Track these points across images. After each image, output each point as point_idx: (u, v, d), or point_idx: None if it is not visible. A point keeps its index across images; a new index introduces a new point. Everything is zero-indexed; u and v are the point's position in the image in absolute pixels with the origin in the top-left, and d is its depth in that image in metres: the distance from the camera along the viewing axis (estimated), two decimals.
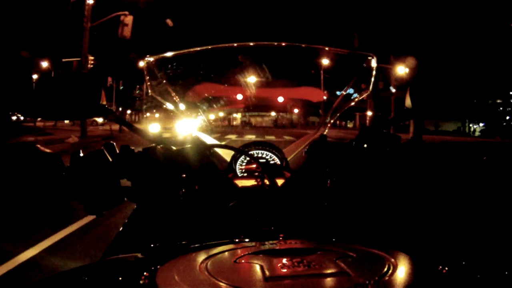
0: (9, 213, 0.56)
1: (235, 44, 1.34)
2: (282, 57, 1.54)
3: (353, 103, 1.46)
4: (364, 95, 1.39)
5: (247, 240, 0.61)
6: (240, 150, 1.23)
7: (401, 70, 21.58)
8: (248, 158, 1.30)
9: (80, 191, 0.65)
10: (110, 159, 0.70)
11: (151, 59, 1.28)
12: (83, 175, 0.66)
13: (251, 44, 1.35)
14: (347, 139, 0.90)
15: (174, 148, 0.86)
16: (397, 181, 0.75)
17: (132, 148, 0.75)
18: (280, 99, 1.93)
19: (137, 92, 42.04)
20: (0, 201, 0.57)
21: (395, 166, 0.75)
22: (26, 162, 0.59)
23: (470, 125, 42.10)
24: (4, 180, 0.57)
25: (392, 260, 0.47)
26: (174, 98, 1.46)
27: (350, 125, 42.89)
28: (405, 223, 0.74)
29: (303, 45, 1.37)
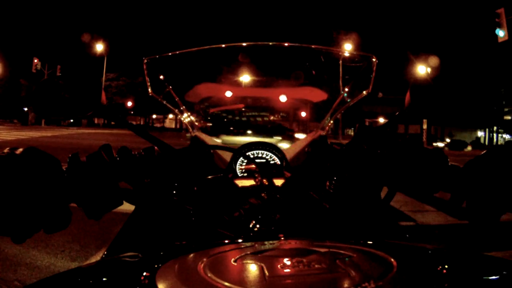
0: (6, 215, 0.56)
1: (236, 44, 1.34)
2: (283, 57, 1.54)
3: (352, 104, 1.46)
4: (363, 96, 1.39)
5: (247, 240, 0.61)
6: (238, 151, 1.23)
7: (422, 69, 20.73)
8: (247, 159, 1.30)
9: (78, 193, 0.65)
10: (108, 161, 0.69)
11: (151, 58, 1.28)
12: (81, 177, 0.65)
13: (251, 44, 1.35)
14: None
15: (174, 148, 0.86)
16: (396, 180, 0.75)
17: (130, 149, 0.75)
18: (282, 98, 1.92)
19: None
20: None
21: (393, 166, 0.75)
22: (24, 164, 0.59)
23: (498, 135, 40.15)
24: (2, 182, 0.57)
25: (392, 260, 0.47)
26: (174, 98, 1.46)
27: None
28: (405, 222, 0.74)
29: (303, 45, 1.37)
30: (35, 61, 31.73)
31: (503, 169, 0.64)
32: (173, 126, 44.11)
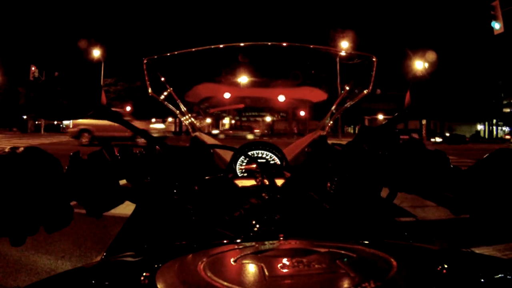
0: (6, 214, 0.55)
1: (235, 44, 1.34)
2: (283, 57, 1.54)
3: (352, 103, 1.46)
4: (363, 95, 1.39)
5: (247, 240, 0.61)
6: (239, 151, 1.23)
7: (420, 65, 20.78)
8: (248, 158, 1.29)
9: (79, 191, 0.64)
10: (110, 160, 0.69)
11: (151, 58, 1.29)
12: (83, 176, 0.65)
13: (251, 44, 1.35)
14: None
15: (174, 148, 0.85)
16: (397, 181, 0.75)
17: (131, 148, 0.75)
18: (281, 98, 1.92)
19: None
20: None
21: (394, 167, 0.74)
22: (25, 163, 0.59)
23: (498, 128, 40.07)
24: (3, 181, 0.56)
25: (392, 260, 0.47)
26: (174, 98, 1.46)
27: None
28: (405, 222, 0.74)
29: (303, 45, 1.37)
30: (33, 68, 31.73)
31: (507, 172, 0.64)
32: (173, 129, 44.22)
